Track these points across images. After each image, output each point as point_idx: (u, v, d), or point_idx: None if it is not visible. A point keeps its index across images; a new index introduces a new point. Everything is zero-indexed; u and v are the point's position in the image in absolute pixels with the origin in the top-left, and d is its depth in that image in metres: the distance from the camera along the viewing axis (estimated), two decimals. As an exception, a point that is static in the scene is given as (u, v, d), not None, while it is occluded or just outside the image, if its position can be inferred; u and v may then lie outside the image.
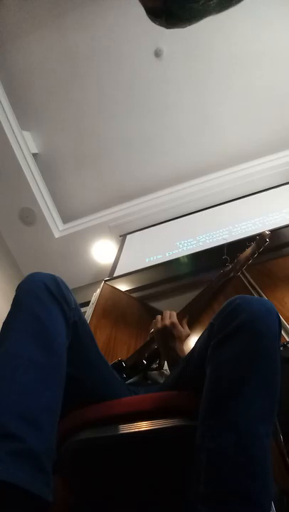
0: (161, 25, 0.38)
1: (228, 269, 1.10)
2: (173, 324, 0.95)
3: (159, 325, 0.97)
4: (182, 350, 0.91)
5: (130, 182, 2.96)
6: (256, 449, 0.44)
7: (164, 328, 0.95)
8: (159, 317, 1.00)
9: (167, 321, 0.96)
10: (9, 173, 2.58)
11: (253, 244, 1.07)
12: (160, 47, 2.52)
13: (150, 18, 0.38)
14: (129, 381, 0.96)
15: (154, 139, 2.85)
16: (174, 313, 1.00)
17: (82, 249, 2.88)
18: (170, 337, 0.93)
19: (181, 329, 0.96)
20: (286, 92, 2.61)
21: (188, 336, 0.98)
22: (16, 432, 0.41)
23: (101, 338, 1.35)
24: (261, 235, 1.05)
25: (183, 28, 0.39)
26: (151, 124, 2.79)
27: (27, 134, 2.74)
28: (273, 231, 1.52)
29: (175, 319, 0.97)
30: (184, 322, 1.01)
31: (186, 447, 0.51)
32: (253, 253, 1.06)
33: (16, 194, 2.67)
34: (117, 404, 0.63)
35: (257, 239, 1.07)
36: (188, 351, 0.72)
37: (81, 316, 0.67)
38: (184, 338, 0.96)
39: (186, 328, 1.00)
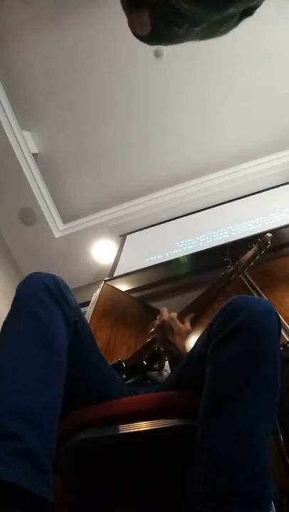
0: (143, 41, 0.40)
1: (229, 271, 1.10)
2: (171, 318, 0.96)
3: (158, 321, 0.98)
4: (183, 346, 0.91)
5: (130, 182, 2.96)
6: (256, 449, 0.44)
7: (163, 322, 0.96)
8: (158, 316, 1.01)
9: (165, 316, 0.97)
10: (9, 173, 2.57)
11: (255, 247, 1.07)
12: (160, 47, 2.52)
13: (135, 36, 0.40)
14: (129, 381, 0.96)
15: (154, 139, 2.85)
16: (174, 313, 1.01)
17: (82, 249, 2.88)
18: (169, 331, 0.94)
19: (180, 324, 0.96)
20: (286, 92, 2.61)
21: (188, 332, 0.98)
22: (16, 431, 0.41)
23: (101, 338, 1.35)
24: (263, 238, 1.05)
25: (164, 45, 0.40)
26: (152, 124, 2.79)
27: (27, 134, 2.74)
28: (273, 231, 1.52)
29: (173, 314, 0.98)
30: (187, 319, 1.01)
31: (186, 447, 0.51)
32: (254, 256, 1.06)
33: (16, 194, 2.67)
34: (117, 404, 0.63)
35: (259, 241, 1.07)
36: (189, 351, 0.72)
37: (81, 315, 0.67)
38: (185, 334, 0.95)
39: (188, 324, 1.00)
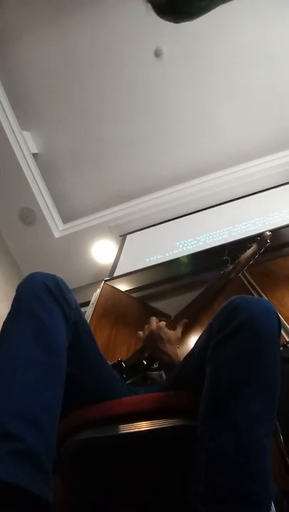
0: (169, 20, 0.39)
1: (228, 269, 1.10)
2: (159, 328, 0.96)
3: (146, 331, 0.98)
4: (175, 353, 0.92)
5: (130, 182, 2.96)
6: (256, 449, 0.44)
7: (151, 333, 0.96)
8: (146, 326, 1.01)
9: (153, 326, 0.97)
10: (9, 173, 2.57)
11: (254, 245, 1.07)
12: (160, 47, 2.52)
13: (158, 14, 0.39)
14: (128, 381, 0.96)
15: (154, 139, 2.85)
16: (163, 322, 1.01)
17: (82, 249, 2.88)
18: (159, 340, 0.94)
19: (169, 332, 0.97)
20: (286, 92, 2.61)
21: (178, 338, 0.98)
22: (16, 431, 0.41)
23: (101, 338, 1.35)
24: (262, 236, 1.05)
25: (191, 20, 0.39)
26: (152, 124, 2.79)
27: (27, 134, 2.74)
28: (273, 231, 1.52)
29: (161, 323, 0.99)
30: (180, 325, 1.01)
31: (186, 447, 0.51)
32: (254, 254, 1.06)
33: (16, 194, 2.67)
34: (117, 404, 0.63)
35: (258, 240, 1.07)
36: (188, 352, 0.72)
37: (81, 315, 0.67)
38: (175, 341, 0.96)
39: (179, 330, 1.00)
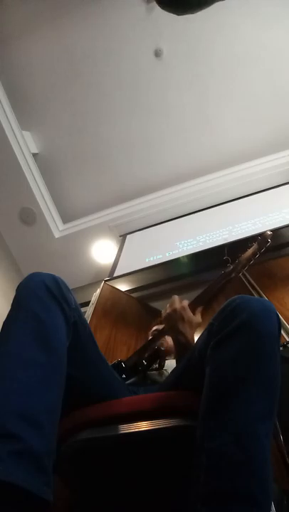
0: (170, 12, 0.39)
1: (229, 269, 1.09)
2: (183, 308, 0.94)
3: (169, 309, 0.96)
4: (192, 336, 0.90)
5: (130, 182, 2.96)
6: (256, 449, 0.44)
7: (174, 311, 0.94)
8: (170, 301, 0.99)
9: (178, 305, 0.96)
10: (9, 173, 2.57)
11: (255, 245, 1.06)
12: (160, 47, 2.52)
13: (159, 5, 0.39)
14: (129, 381, 0.96)
15: (154, 139, 2.85)
16: (186, 301, 0.99)
17: (82, 249, 2.88)
18: (180, 320, 0.92)
19: (192, 314, 0.95)
20: (286, 92, 2.61)
21: (199, 324, 0.96)
22: (16, 432, 0.41)
23: (101, 338, 1.35)
24: (263, 236, 1.05)
25: (192, 13, 0.39)
26: (152, 124, 2.79)
27: (27, 134, 2.74)
28: (273, 231, 1.52)
29: (185, 303, 0.97)
30: (198, 311, 1.00)
31: (186, 447, 0.51)
32: (254, 253, 1.05)
33: (16, 194, 2.67)
34: (117, 404, 0.63)
35: (259, 239, 1.06)
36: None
37: (81, 316, 0.67)
38: (195, 325, 0.94)
39: (199, 316, 0.98)
